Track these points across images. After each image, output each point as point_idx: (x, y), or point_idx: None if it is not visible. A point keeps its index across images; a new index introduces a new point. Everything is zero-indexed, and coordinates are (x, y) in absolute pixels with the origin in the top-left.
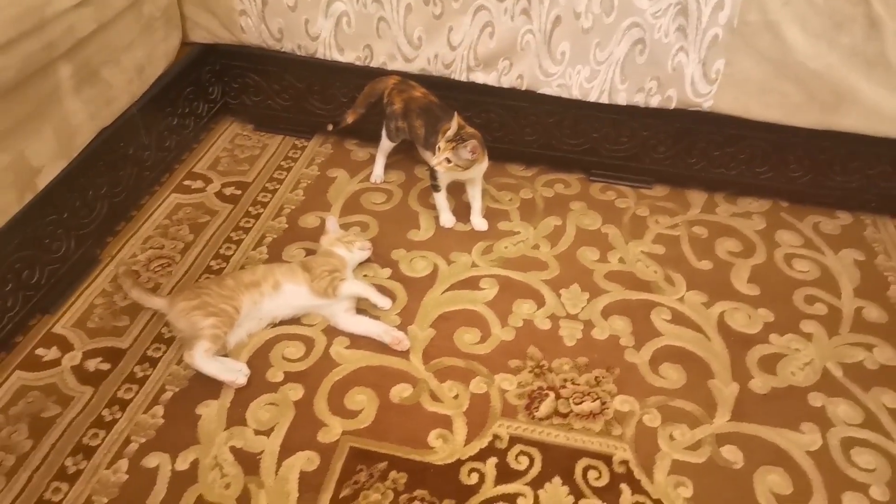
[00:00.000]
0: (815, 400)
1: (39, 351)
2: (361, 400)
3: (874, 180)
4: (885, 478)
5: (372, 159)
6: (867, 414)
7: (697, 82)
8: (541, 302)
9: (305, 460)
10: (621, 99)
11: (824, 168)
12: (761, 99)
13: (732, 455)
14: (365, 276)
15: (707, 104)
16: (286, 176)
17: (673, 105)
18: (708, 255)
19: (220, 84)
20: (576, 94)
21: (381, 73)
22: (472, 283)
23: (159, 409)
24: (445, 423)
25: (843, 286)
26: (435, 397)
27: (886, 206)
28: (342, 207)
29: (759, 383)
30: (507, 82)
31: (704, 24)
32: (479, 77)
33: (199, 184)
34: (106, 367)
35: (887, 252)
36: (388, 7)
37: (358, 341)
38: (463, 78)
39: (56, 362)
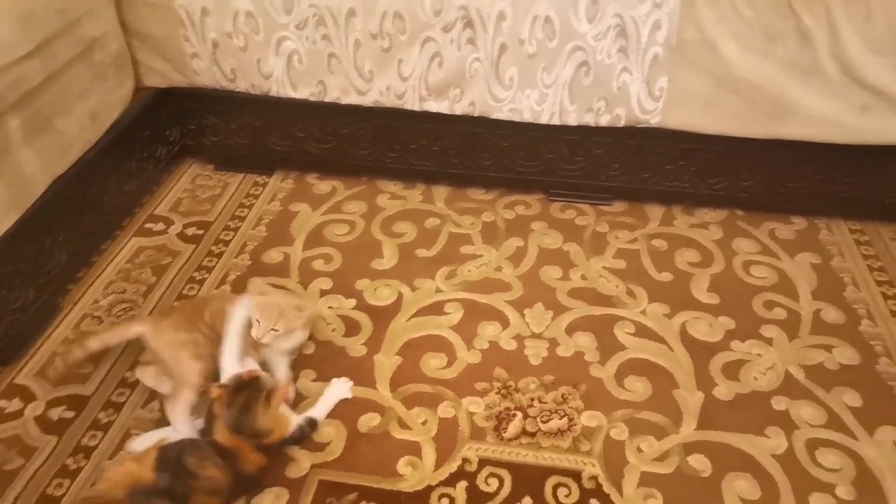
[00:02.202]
0: (779, 403)
1: (1, 403)
2: (329, 432)
3: (824, 184)
4: (850, 477)
5: (334, 191)
6: (830, 414)
7: (643, 100)
8: (505, 323)
9: (274, 497)
10: (572, 120)
11: (775, 175)
12: (706, 112)
13: (700, 463)
14: (330, 307)
15: (654, 120)
16: (248, 213)
17: (622, 123)
18: (668, 267)
19: (177, 126)
20: (527, 117)
21: (335, 107)
22: (436, 309)
23: (125, 455)
24: (414, 449)
25: (800, 290)
26: (403, 424)
27: (838, 208)
28: (305, 241)
29: (724, 390)
30: (459, 109)
31: (644, 44)
32: (433, 106)
33: (160, 226)
34: (70, 414)
35: (842, 254)
36: (338, 43)
37: (326, 372)
38: (416, 108)
39: (18, 413)
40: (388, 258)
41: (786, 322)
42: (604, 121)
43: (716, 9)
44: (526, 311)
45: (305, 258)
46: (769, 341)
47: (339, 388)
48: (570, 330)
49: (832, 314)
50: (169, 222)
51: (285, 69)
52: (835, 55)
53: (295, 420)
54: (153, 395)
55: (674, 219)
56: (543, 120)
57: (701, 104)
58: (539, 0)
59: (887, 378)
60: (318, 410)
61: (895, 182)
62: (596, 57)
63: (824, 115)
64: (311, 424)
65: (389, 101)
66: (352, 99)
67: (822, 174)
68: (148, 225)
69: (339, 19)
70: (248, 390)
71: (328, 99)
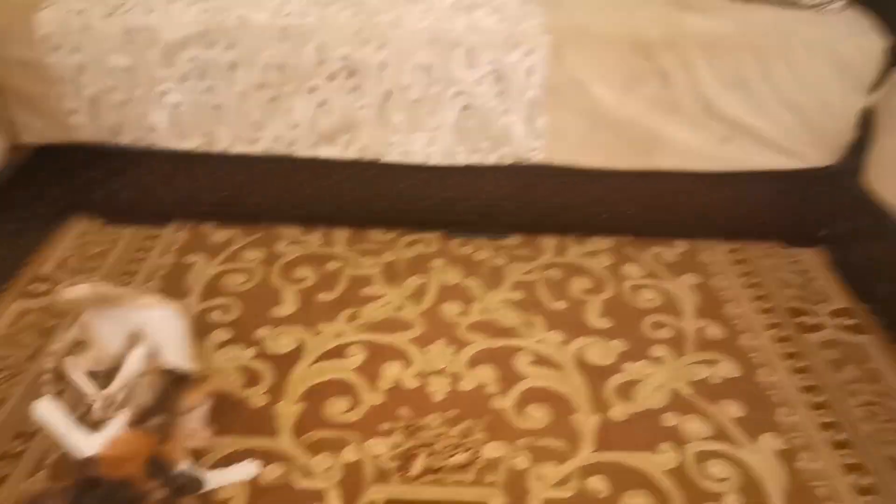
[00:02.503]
0: (669, 420)
1: None
2: (229, 489)
3: (700, 209)
4: (738, 485)
5: (231, 240)
6: (716, 426)
7: (526, 139)
8: (408, 362)
9: None
10: (461, 160)
11: (656, 203)
12: (586, 148)
13: (599, 485)
14: (229, 359)
15: (538, 157)
16: (141, 267)
17: (509, 161)
18: (563, 296)
19: (61, 183)
20: (419, 159)
21: (224, 157)
22: (338, 352)
23: None
24: (319, 497)
25: (684, 309)
26: (307, 473)
27: (715, 230)
28: (202, 293)
29: (619, 411)
30: (351, 154)
31: (521, 86)
32: (324, 151)
33: (45, 287)
34: None
35: (720, 273)
36: (222, 94)
37: (225, 425)
38: (309, 154)
39: None
40: (289, 304)
41: (672, 341)
42: (491, 159)
43: (582, 54)
44: (428, 349)
45: (202, 310)
46: (658, 360)
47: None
48: (472, 364)
49: (714, 330)
50: (55, 282)
51: (170, 121)
52: (693, 92)
53: (185, 464)
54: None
55: (566, 249)
56: (434, 161)
57: (580, 140)
58: (418, 50)
59: (765, 387)
60: (212, 475)
61: (762, 204)
62: (477, 101)
63: (690, 147)
64: (194, 481)
65: (281, 149)
66: (242, 148)
67: (696, 200)
68: (32, 286)
69: (220, 72)
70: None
71: (217, 149)
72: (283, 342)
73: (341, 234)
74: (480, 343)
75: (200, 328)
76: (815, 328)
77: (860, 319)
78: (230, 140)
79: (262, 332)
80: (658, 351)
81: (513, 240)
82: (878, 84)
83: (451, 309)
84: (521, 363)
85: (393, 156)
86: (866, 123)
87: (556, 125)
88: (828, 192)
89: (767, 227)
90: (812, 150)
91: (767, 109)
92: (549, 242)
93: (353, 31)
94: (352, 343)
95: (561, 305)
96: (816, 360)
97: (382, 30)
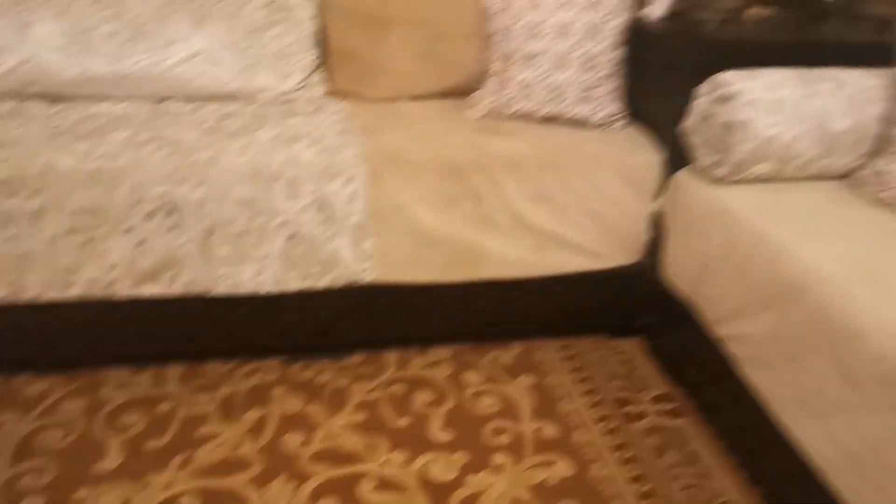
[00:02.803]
0: None
1: None
2: None
3: (530, 312)
4: None
5: (48, 392)
6: None
7: (355, 261)
8: None
9: None
10: (293, 286)
11: (489, 309)
12: (413, 265)
13: None
14: None
15: (369, 277)
16: None
17: (342, 283)
18: (406, 412)
19: None
20: (249, 289)
21: (35, 305)
22: None
23: None
24: None
25: (522, 411)
26: None
27: (546, 330)
28: (12, 455)
29: None
30: (177, 290)
31: (344, 212)
32: (147, 290)
33: None
34: None
35: (553, 371)
36: (29, 242)
37: None
38: (130, 294)
39: None
40: (114, 456)
41: (512, 446)
42: (323, 283)
43: (399, 179)
44: (267, 488)
45: (11, 476)
46: (498, 469)
47: None
48: (313, 498)
49: (549, 430)
50: None
51: None
52: (504, 208)
53: None
54: None
55: (409, 362)
56: (265, 290)
57: (407, 259)
58: (238, 185)
59: (597, 483)
60: None
61: (585, 301)
62: (303, 229)
63: (509, 257)
64: None
65: (99, 292)
66: (54, 295)
67: (525, 303)
68: None
69: (25, 219)
70: None
71: (26, 298)
72: (105, 502)
73: (174, 372)
74: (323, 474)
75: (10, 498)
76: (639, 416)
77: (678, 403)
78: (40, 287)
79: (81, 494)
80: (498, 458)
81: (355, 358)
82: (660, 191)
83: (292, 440)
84: (365, 490)
85: (221, 288)
86: (657, 225)
87: (383, 246)
88: (637, 286)
89: (592, 322)
90: (615, 251)
91: (571, 219)
92: (391, 357)
93: (168, 171)
94: (183, 493)
95: (404, 422)
96: (641, 449)
97: (200, 168)
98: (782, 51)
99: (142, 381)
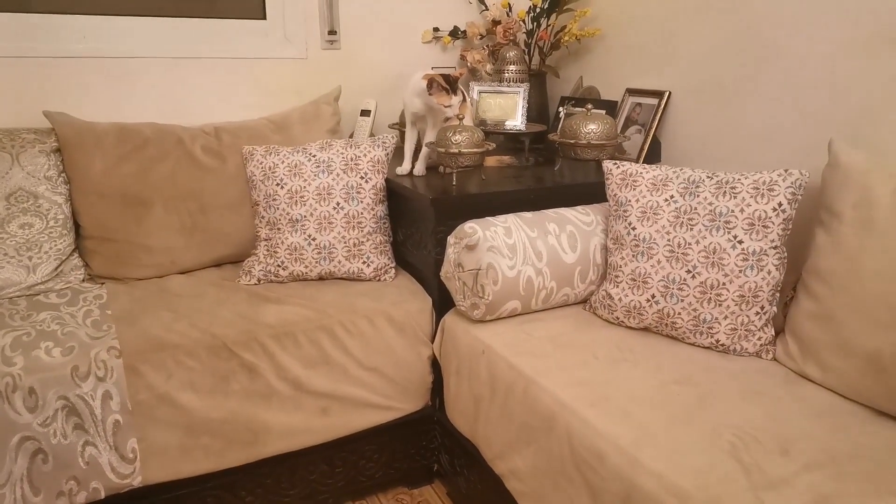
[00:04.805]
0: None
1: None
2: None
3: (321, 481)
4: None
5: None
6: None
7: (117, 466)
8: None
9: None
10: None
11: (276, 488)
12: (187, 458)
13: None
14: None
15: (136, 481)
16: None
17: (103, 495)
18: None
19: None
20: None
21: None
22: None
23: None
24: None
25: None
26: None
27: (343, 494)
28: None
29: None
30: None
31: (100, 415)
32: None
33: None
34: None
35: None
36: None
37: None
38: None
39: None
40: None
41: None
42: (81, 499)
43: (161, 368)
44: None
45: None
46: None
47: None
48: None
49: None
50: None
51: None
52: (281, 377)
53: None
54: None
55: None
56: None
57: (177, 452)
58: None
59: None
60: None
61: (378, 456)
62: (51, 441)
63: (294, 427)
64: None
65: None
66: None
67: (316, 471)
68: None
69: None
70: None
71: None
72: None
73: None
74: None
75: None
76: None
77: None
78: None
79: None
80: None
81: None
82: (434, 335)
83: None
84: None
85: None
86: (437, 368)
87: (148, 444)
88: (428, 431)
89: (390, 476)
90: (400, 400)
91: (352, 376)
92: None
93: None
94: None
95: None
96: None
97: None
98: (517, 196)
99: None
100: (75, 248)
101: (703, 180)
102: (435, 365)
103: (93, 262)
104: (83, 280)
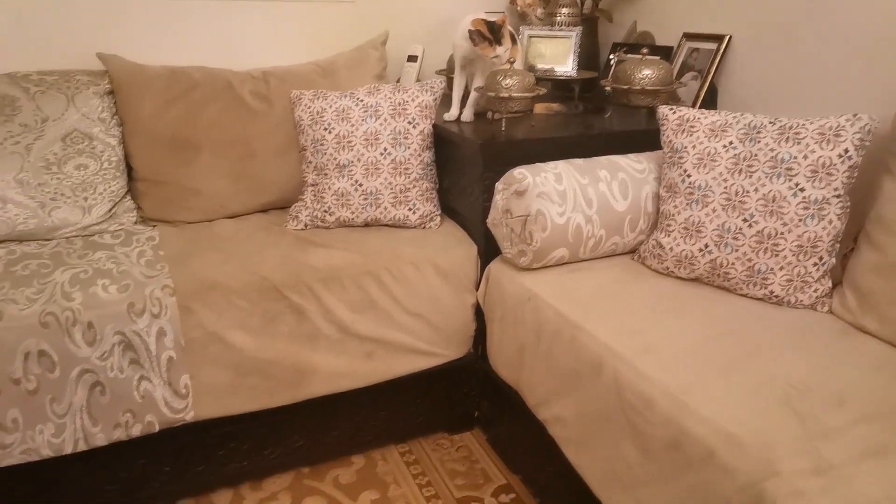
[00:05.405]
0: None
1: None
2: None
3: (366, 422)
4: None
5: None
6: None
7: (171, 401)
8: None
9: None
10: (100, 441)
11: (321, 429)
12: (235, 396)
13: None
14: None
15: (189, 416)
16: None
17: (157, 428)
18: None
19: None
20: (47, 453)
21: None
22: None
23: None
24: None
25: None
26: None
27: (386, 438)
28: None
29: None
30: None
31: (154, 351)
32: None
33: None
34: None
35: (396, 481)
36: None
37: None
38: None
39: None
40: None
41: None
42: (137, 431)
43: (213, 307)
44: None
45: None
46: None
47: None
48: None
49: None
50: None
51: None
52: (328, 320)
53: None
54: None
55: (243, 500)
56: (68, 450)
57: (228, 390)
58: (27, 337)
59: None
60: None
61: (420, 402)
62: (108, 375)
63: (338, 370)
64: None
65: None
66: None
67: (361, 414)
68: None
69: None
70: None
71: None
72: None
73: None
74: None
75: None
76: None
77: (517, 492)
78: None
79: None
80: None
81: None
82: (478, 283)
83: None
84: None
85: (13, 458)
86: (480, 316)
87: (200, 381)
88: (470, 378)
89: (431, 421)
90: (444, 347)
91: (397, 322)
92: (222, 498)
93: None
94: None
95: None
96: None
97: None
98: (567, 143)
99: None
100: (128, 190)
101: (765, 126)
102: (478, 313)
103: (144, 205)
104: (135, 222)
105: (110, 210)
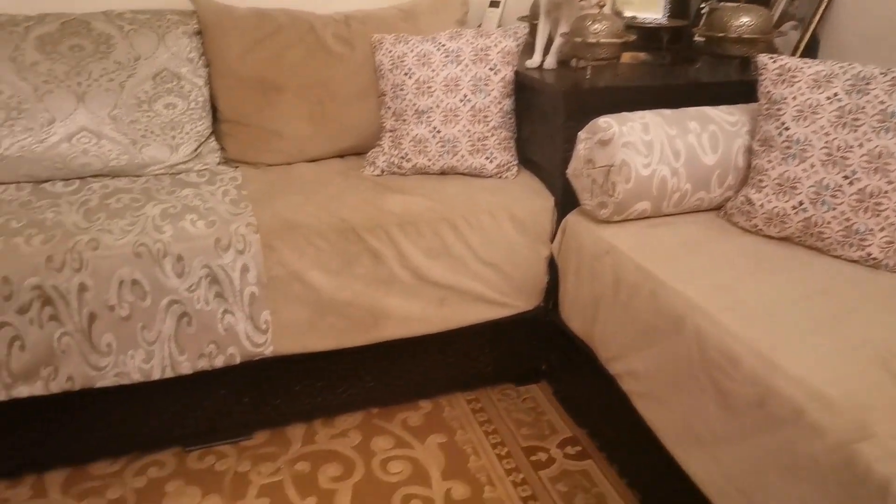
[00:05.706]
0: None
1: None
2: None
3: (435, 368)
4: None
5: None
6: None
7: (252, 335)
8: None
9: None
10: (186, 369)
11: (392, 370)
12: (313, 334)
13: None
14: None
15: (268, 351)
16: None
17: (238, 360)
18: (312, 491)
19: None
20: (137, 377)
21: None
22: None
23: None
24: None
25: (432, 474)
26: None
27: (453, 385)
28: None
29: None
30: (56, 388)
31: (238, 286)
32: (24, 391)
33: None
34: None
35: (463, 427)
36: None
37: None
38: (2, 398)
39: None
40: None
41: None
42: (219, 362)
43: (294, 246)
44: None
45: None
46: None
47: None
48: None
49: (460, 490)
50: None
51: None
52: (403, 265)
53: None
54: None
55: (315, 434)
56: (156, 376)
57: (305, 328)
58: (121, 266)
59: None
60: None
61: (489, 351)
62: (195, 306)
63: (411, 314)
64: None
65: None
66: None
67: (430, 359)
68: None
69: None
70: None
71: None
72: None
73: (56, 477)
74: None
75: None
76: (547, 463)
77: (583, 445)
78: None
79: None
80: None
81: (258, 438)
82: (554, 235)
83: None
84: None
85: (106, 380)
86: (553, 269)
87: (280, 317)
88: (539, 331)
89: (499, 371)
90: (515, 298)
91: (470, 270)
92: (296, 432)
93: (43, 259)
94: None
95: (310, 503)
96: (551, 498)
97: (78, 253)
98: (655, 93)
99: (19, 494)
100: (213, 131)
101: (875, 76)
102: (551, 266)
103: (228, 146)
104: (219, 163)
105: (196, 150)
